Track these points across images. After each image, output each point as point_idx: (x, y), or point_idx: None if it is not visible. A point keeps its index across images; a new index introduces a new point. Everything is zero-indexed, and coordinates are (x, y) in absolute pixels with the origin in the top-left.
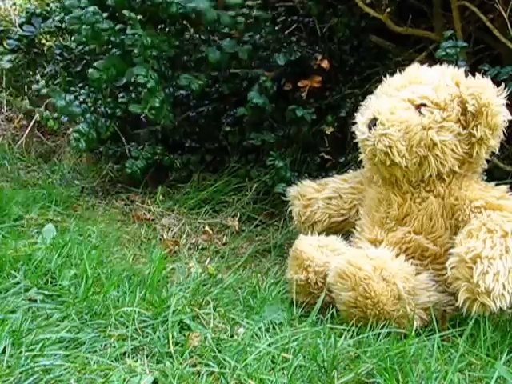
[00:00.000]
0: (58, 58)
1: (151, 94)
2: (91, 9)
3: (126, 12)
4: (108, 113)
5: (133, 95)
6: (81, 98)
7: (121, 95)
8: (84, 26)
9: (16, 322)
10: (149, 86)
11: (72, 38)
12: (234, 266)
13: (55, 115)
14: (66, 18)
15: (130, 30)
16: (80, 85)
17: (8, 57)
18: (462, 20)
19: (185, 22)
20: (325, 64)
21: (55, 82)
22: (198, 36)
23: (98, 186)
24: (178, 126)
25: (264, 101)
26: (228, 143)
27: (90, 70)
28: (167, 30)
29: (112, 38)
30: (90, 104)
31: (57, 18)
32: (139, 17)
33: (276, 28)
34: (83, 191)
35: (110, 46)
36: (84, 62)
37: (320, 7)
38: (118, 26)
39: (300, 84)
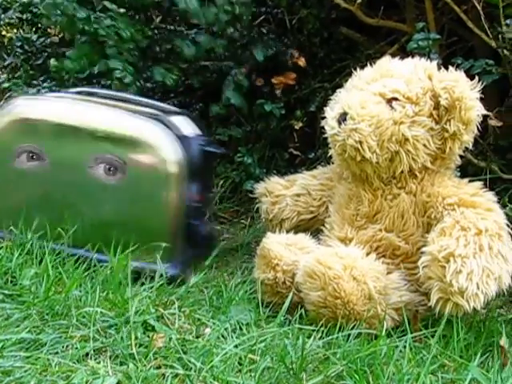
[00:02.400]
0: (19, 50)
1: (126, 88)
2: None
3: (107, 3)
4: None
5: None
6: (43, 92)
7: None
8: (58, 14)
9: None
10: (126, 80)
11: (33, 30)
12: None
13: None
14: (42, 4)
15: (106, 20)
16: (42, 78)
17: None
18: (435, 11)
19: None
20: (302, 62)
21: (15, 76)
22: (166, 26)
23: None
24: None
25: (242, 100)
26: None
27: (54, 66)
28: (137, 18)
29: (86, 28)
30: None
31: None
32: (122, 10)
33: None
34: None
35: (79, 36)
36: (46, 54)
37: None
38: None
39: (274, 81)
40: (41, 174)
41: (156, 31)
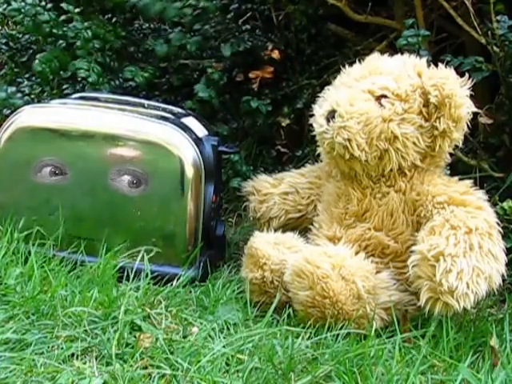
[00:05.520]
0: (4, 47)
1: (93, 87)
2: (30, 0)
3: (64, 5)
4: None
5: (77, 87)
6: (24, 90)
7: (65, 86)
8: (25, 18)
9: None
10: (90, 80)
11: (17, 27)
12: None
13: None
14: (7, 9)
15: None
16: (27, 75)
17: None
18: (424, 7)
19: (134, 11)
20: (275, 54)
21: (0, 73)
22: (147, 25)
23: None
24: None
25: (210, 94)
26: None
27: (35, 62)
28: (114, 19)
29: (54, 30)
30: (33, 96)
31: (2, 7)
32: (77, 10)
33: (228, 17)
34: None
35: (53, 38)
36: (31, 51)
37: None
38: (62, 17)
39: (251, 75)
40: (63, 186)
41: (134, 32)
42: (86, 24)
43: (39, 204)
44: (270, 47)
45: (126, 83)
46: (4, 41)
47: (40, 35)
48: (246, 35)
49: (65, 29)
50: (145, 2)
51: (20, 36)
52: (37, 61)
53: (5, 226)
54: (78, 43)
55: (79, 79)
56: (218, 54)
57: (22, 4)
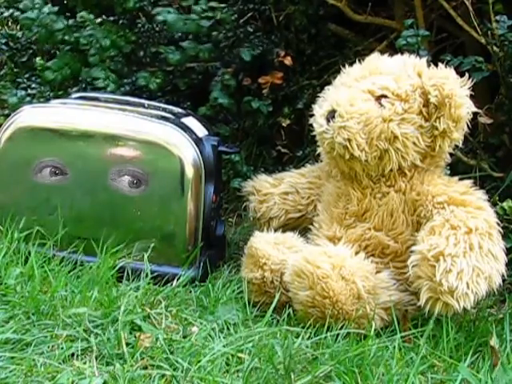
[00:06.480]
0: (4, 47)
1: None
2: (46, 9)
3: (84, 14)
4: None
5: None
6: (30, 91)
7: (75, 89)
8: (37, 24)
9: None
10: (109, 89)
11: (18, 27)
12: None
13: (6, 112)
14: (19, 16)
15: (86, 29)
16: (27, 75)
17: None
18: (424, 8)
19: (134, 13)
20: (288, 61)
21: (0, 73)
22: (149, 26)
23: None
24: None
25: (229, 101)
26: None
27: (40, 65)
28: (120, 22)
29: (66, 37)
30: (42, 100)
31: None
32: (98, 20)
33: (233, 18)
34: None
35: (60, 46)
36: (31, 51)
37: None
38: (70, 22)
39: (261, 80)
40: (63, 186)
41: (140, 35)
42: (102, 32)
43: (39, 204)
44: (282, 53)
45: (132, 86)
46: (4, 41)
47: (52, 43)
48: (254, 39)
49: (76, 35)
50: (170, 21)
51: (20, 36)
52: (48, 69)
53: (5, 225)
54: (92, 51)
55: (80, 78)
56: (226, 57)
57: (36, 12)
